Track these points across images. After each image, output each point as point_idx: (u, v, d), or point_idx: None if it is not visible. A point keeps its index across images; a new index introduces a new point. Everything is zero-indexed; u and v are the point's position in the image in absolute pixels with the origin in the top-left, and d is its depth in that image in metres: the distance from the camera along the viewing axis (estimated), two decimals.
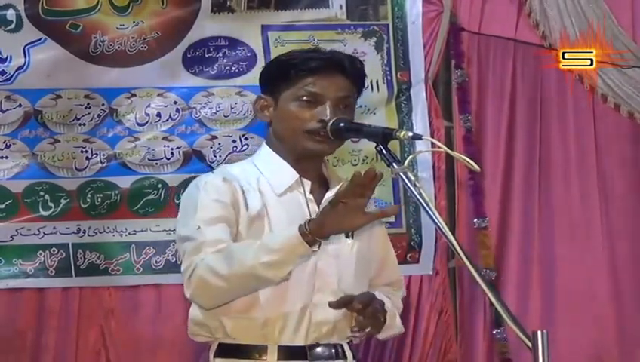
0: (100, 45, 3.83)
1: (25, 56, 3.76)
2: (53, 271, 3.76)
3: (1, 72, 3.76)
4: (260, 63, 3.89)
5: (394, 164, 2.09)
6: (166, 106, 3.91)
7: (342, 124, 2.28)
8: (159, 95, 3.90)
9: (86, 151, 3.82)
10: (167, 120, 3.90)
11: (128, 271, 3.82)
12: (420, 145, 3.76)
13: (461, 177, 4.19)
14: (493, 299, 1.89)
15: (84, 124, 3.83)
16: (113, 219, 3.81)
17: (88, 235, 3.79)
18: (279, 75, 2.39)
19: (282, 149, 2.40)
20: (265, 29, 4.00)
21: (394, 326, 2.47)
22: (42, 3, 3.78)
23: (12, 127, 3.78)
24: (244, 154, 3.83)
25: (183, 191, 2.52)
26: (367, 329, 2.30)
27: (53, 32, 3.79)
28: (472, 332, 4.19)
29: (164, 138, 3.89)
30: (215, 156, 3.91)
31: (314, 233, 2.15)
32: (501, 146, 4.23)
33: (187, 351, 3.53)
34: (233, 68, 3.96)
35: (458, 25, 4.20)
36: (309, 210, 2.36)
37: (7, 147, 3.77)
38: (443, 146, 2.23)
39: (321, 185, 2.43)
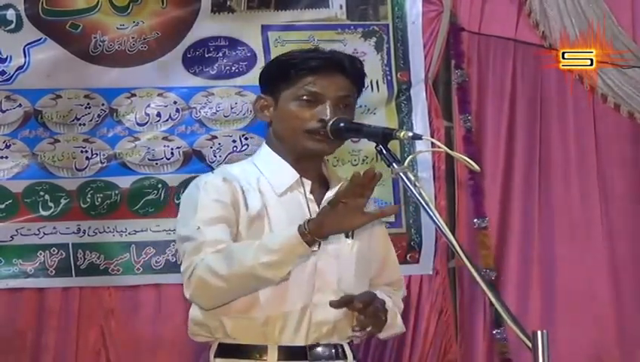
0: (100, 45, 3.83)
1: (25, 56, 3.76)
2: (53, 271, 3.76)
3: (1, 72, 3.76)
4: (260, 63, 3.89)
5: (394, 164, 2.09)
6: (166, 106, 3.91)
7: (342, 124, 2.28)
8: (159, 95, 3.91)
9: (86, 151, 3.82)
10: (167, 120, 3.90)
11: (128, 271, 3.82)
12: (420, 145, 3.76)
13: (461, 177, 4.19)
14: (493, 299, 1.89)
15: (84, 124, 3.83)
16: (113, 219, 3.81)
17: (88, 235, 3.79)
18: (279, 75, 2.39)
19: (282, 149, 2.40)
20: (265, 29, 4.00)
21: (395, 325, 2.47)
22: (42, 3, 3.78)
23: (12, 127, 3.78)
24: (244, 154, 3.83)
25: (183, 191, 2.52)
26: (369, 329, 2.30)
27: (53, 32, 3.79)
28: (472, 332, 4.19)
29: (164, 138, 3.89)
30: (215, 156, 3.91)
31: (313, 233, 2.15)
32: (501, 146, 4.23)
33: (187, 351, 3.53)
34: (233, 68, 3.96)
35: (458, 25, 4.20)
36: (309, 209, 2.35)
37: (7, 147, 3.77)
38: (443, 146, 2.23)
39: (321, 184, 2.43)
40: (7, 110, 3.78)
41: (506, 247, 4.22)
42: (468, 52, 4.22)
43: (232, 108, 3.95)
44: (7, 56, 3.76)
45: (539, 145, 4.26)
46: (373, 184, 2.10)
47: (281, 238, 2.20)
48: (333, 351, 2.38)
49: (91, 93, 3.84)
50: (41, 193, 3.77)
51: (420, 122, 4.10)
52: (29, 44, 3.77)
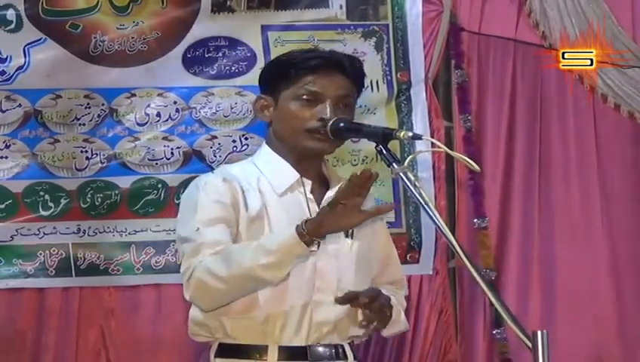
0: (100, 45, 3.83)
1: (25, 56, 3.76)
2: (53, 271, 3.76)
3: (1, 72, 3.76)
4: (260, 63, 3.89)
5: (394, 164, 2.09)
6: (166, 106, 3.91)
7: (342, 124, 2.28)
8: (159, 95, 3.91)
9: (86, 151, 3.82)
10: (167, 120, 3.90)
11: (128, 271, 3.82)
12: (420, 145, 3.76)
13: (461, 177, 4.19)
14: (493, 299, 1.89)
15: (84, 124, 3.83)
16: (113, 219, 3.81)
17: (88, 235, 3.79)
18: (279, 75, 2.39)
19: (282, 149, 2.40)
20: (265, 29, 4.00)
21: (399, 321, 2.47)
22: (42, 3, 3.78)
23: (12, 127, 3.78)
24: (244, 154, 3.83)
25: (183, 191, 2.52)
26: (374, 325, 2.30)
27: (53, 32, 3.79)
28: (472, 332, 4.18)
29: (164, 138, 3.89)
30: (215, 156, 3.91)
31: (311, 233, 2.16)
32: (501, 146, 4.23)
33: (187, 351, 3.54)
34: (233, 68, 3.96)
35: (458, 25, 4.20)
36: (309, 209, 2.35)
37: (7, 147, 3.77)
38: (443, 146, 2.23)
39: (322, 184, 2.43)
40: (7, 110, 3.78)
41: (506, 247, 4.22)
42: (468, 52, 4.22)
43: (232, 108, 3.95)
44: (7, 56, 3.76)
45: (539, 145, 4.26)
46: (370, 184, 2.11)
47: (279, 239, 2.20)
48: (334, 351, 2.37)
49: (91, 93, 3.85)
50: (41, 193, 3.77)
51: (419, 122, 4.10)
52: (29, 44, 3.77)
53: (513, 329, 1.85)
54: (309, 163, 2.40)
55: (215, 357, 2.36)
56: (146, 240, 3.83)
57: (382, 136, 2.17)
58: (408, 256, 4.04)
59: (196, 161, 3.90)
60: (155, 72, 3.89)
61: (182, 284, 2.31)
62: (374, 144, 2.17)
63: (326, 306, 2.32)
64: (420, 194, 2.02)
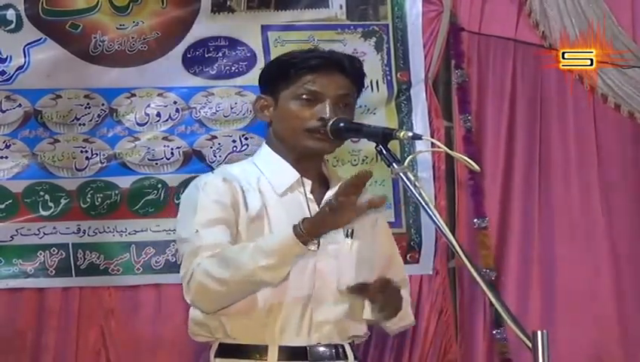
0: (99, 45, 3.83)
1: (25, 56, 3.76)
2: (53, 271, 3.76)
3: (1, 72, 3.76)
4: (260, 63, 3.89)
5: (394, 164, 2.09)
6: (166, 106, 3.90)
7: (342, 124, 2.29)
8: (159, 95, 3.90)
9: (86, 151, 3.82)
10: (167, 120, 3.90)
11: (128, 271, 3.82)
12: (420, 145, 3.76)
13: (461, 177, 4.19)
14: (493, 299, 1.89)
15: (84, 124, 3.83)
16: (113, 219, 3.81)
17: (88, 235, 3.79)
18: (279, 75, 2.39)
19: (282, 149, 2.40)
20: (265, 29, 4.00)
21: (407, 314, 2.49)
22: (42, 3, 3.78)
23: (12, 127, 3.78)
24: (244, 154, 3.83)
25: (183, 191, 2.52)
26: (385, 312, 2.30)
27: (53, 32, 3.79)
28: (472, 332, 4.18)
29: (164, 138, 3.89)
30: (215, 156, 3.91)
31: (309, 232, 2.16)
32: (501, 146, 4.23)
33: (187, 351, 3.53)
34: (233, 68, 3.96)
35: (458, 25, 4.19)
36: (309, 209, 2.35)
37: (7, 147, 3.77)
38: (443, 146, 2.24)
39: (322, 184, 2.43)
40: (7, 110, 3.78)
41: (506, 247, 4.22)
42: (468, 52, 4.22)
43: (232, 108, 3.95)
44: (7, 56, 3.76)
45: (539, 145, 4.25)
46: (365, 182, 2.11)
47: (277, 240, 2.20)
48: (334, 351, 2.38)
49: (91, 93, 3.84)
50: (41, 193, 3.77)
51: (420, 122, 4.09)
52: (29, 44, 3.77)
53: (513, 329, 1.85)
54: (309, 163, 2.40)
55: (215, 357, 2.36)
56: (146, 240, 3.83)
57: (382, 136, 2.17)
58: (408, 256, 4.03)
59: (196, 161, 3.90)
60: (155, 72, 3.88)
61: (182, 284, 2.31)
62: (374, 144, 2.17)
63: (326, 306, 2.33)
64: (420, 194, 2.02)
